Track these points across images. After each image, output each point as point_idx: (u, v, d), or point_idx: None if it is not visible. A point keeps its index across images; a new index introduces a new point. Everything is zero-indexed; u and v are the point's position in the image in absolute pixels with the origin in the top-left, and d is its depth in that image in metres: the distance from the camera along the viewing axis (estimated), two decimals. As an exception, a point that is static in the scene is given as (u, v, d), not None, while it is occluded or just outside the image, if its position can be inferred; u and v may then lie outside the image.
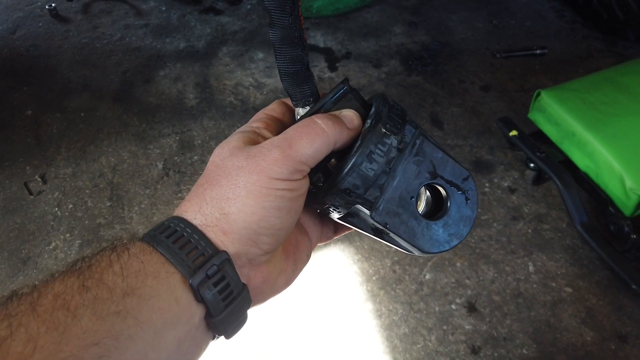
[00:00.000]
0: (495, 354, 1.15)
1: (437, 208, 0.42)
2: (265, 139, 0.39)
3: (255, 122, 0.42)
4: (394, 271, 1.30)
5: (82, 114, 1.74)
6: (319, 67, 1.90)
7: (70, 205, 1.47)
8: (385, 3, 2.17)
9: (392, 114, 0.40)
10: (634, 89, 1.44)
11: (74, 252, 1.36)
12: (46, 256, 1.35)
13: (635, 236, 1.25)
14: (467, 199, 0.41)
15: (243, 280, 0.36)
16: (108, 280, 0.31)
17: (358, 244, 1.36)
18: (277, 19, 0.39)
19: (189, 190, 1.49)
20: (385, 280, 1.28)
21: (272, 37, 0.40)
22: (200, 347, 0.36)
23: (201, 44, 2.03)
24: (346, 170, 0.38)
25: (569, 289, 1.26)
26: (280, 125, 0.43)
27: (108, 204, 1.47)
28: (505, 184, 1.49)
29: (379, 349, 1.17)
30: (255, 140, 0.39)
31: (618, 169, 1.28)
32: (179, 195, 1.49)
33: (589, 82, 1.49)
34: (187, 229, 0.35)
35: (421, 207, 0.42)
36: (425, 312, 1.23)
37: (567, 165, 1.41)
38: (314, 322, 1.22)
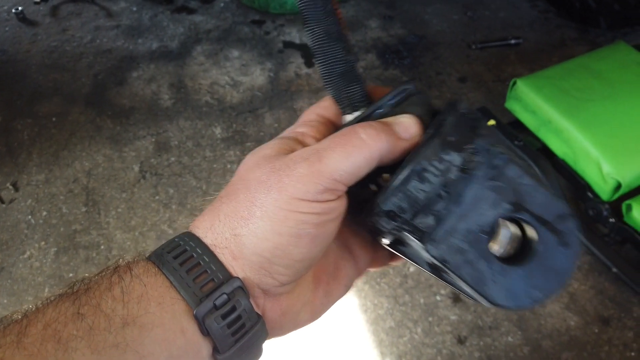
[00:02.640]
0: (481, 343, 1.15)
1: (521, 251, 0.32)
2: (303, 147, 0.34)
3: (304, 126, 0.35)
4: (378, 265, 1.29)
5: (54, 119, 1.70)
6: (296, 64, 1.88)
7: (45, 213, 1.43)
8: (359, -3, 2.17)
9: (461, 124, 0.32)
10: (607, 75, 1.46)
11: (49, 260, 1.32)
12: (21, 265, 1.31)
13: (613, 220, 1.26)
14: (563, 243, 0.31)
15: (258, 311, 0.31)
16: (106, 307, 0.27)
17: (341, 239, 1.35)
18: (311, 14, 0.34)
19: (166, 193, 1.46)
20: (369, 275, 1.28)
21: (309, 35, 0.34)
22: None
23: (175, 44, 1.99)
24: (390, 188, 0.31)
25: (551, 275, 1.26)
26: (329, 124, 0.36)
27: (84, 209, 1.44)
28: (485, 174, 1.50)
29: (366, 344, 1.16)
30: (292, 149, 0.33)
31: (595, 154, 1.29)
32: (156, 197, 1.46)
33: (563, 69, 1.50)
34: (197, 249, 0.30)
35: (497, 246, 0.32)
36: (410, 304, 1.22)
37: (545, 153, 1.42)
38: (299, 320, 1.21)
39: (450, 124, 0.32)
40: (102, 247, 1.36)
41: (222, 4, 2.18)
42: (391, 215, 0.31)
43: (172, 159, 1.57)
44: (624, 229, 1.24)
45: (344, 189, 0.31)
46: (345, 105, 0.35)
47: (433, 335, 1.17)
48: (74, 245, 1.36)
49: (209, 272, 0.29)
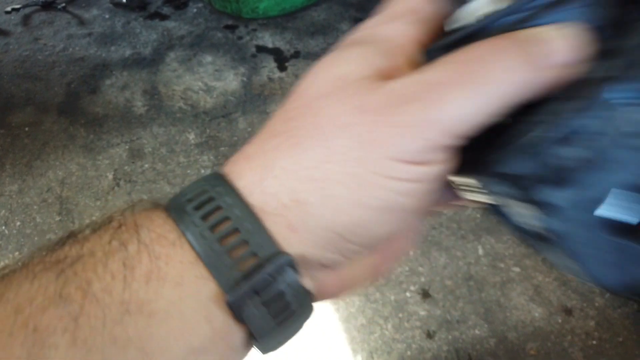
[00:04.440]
0: (450, 337, 1.19)
1: None
2: (403, 62, 0.23)
3: (399, 22, 0.23)
4: (350, 264, 1.32)
5: (27, 129, 1.70)
6: (268, 68, 1.91)
7: (18, 223, 1.44)
8: (331, 1, 2.19)
9: None
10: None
11: (24, 270, 1.33)
12: (-5, 276, 1.32)
13: (575, 213, 1.30)
14: None
15: (308, 285, 0.23)
16: (100, 289, 0.20)
17: (313, 240, 1.37)
18: None
19: (141, 200, 1.48)
20: (341, 274, 1.30)
21: None
22: None
23: (148, 51, 2.00)
24: (518, 145, 0.20)
25: (517, 269, 1.30)
26: (441, 33, 0.24)
27: (57, 218, 1.45)
28: (454, 172, 1.54)
29: (338, 342, 1.19)
30: (388, 69, 0.22)
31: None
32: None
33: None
34: (236, 210, 0.21)
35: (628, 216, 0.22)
36: (381, 301, 1.25)
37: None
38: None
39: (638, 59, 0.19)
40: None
41: (194, 10, 2.20)
42: (507, 177, 0.21)
43: (146, 165, 1.59)
44: (584, 221, 1.29)
45: (457, 144, 0.21)
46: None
47: (403, 330, 1.20)
48: (48, 255, 1.37)
49: (250, 243, 0.21)
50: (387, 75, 0.22)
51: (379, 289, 1.27)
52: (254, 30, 2.05)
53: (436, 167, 0.21)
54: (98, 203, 1.48)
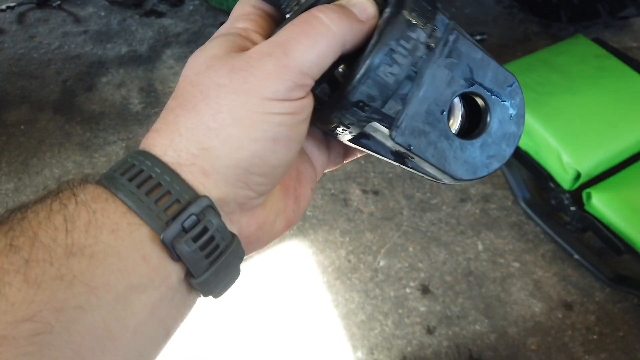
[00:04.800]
0: (450, 332, 1.19)
1: (473, 123, 0.33)
2: (255, 44, 0.29)
3: (241, 21, 0.31)
4: (349, 261, 1.32)
5: (22, 127, 1.69)
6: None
7: (14, 221, 1.42)
8: (328, -3, 2.19)
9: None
10: (566, 68, 1.50)
11: (20, 268, 1.32)
12: (-9, 275, 1.31)
13: (574, 208, 1.30)
14: (511, 110, 0.32)
15: (233, 229, 0.29)
16: (46, 238, 0.24)
17: (312, 237, 1.37)
18: None
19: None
20: (340, 271, 1.30)
21: None
22: (182, 311, 0.29)
23: (144, 48, 1.99)
24: (358, 76, 0.28)
25: (516, 264, 1.30)
26: (274, 25, 0.33)
27: (54, 216, 1.43)
28: (452, 168, 1.53)
29: (338, 338, 1.18)
30: (241, 46, 0.29)
31: (555, 145, 1.33)
32: (129, 202, 1.46)
33: (524, 64, 1.54)
34: (156, 168, 0.26)
35: (455, 123, 0.33)
36: (380, 298, 1.25)
37: (509, 145, 1.46)
38: (273, 316, 1.23)
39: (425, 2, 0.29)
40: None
41: (191, 7, 2.18)
42: (360, 105, 0.29)
43: (143, 163, 1.58)
44: (584, 217, 1.29)
45: (312, 83, 0.28)
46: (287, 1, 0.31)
47: (403, 326, 1.20)
48: (45, 253, 1.36)
49: (172, 192, 0.26)
50: (240, 51, 0.29)
51: (378, 285, 1.27)
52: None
53: (301, 101, 0.28)
54: (95, 201, 1.47)
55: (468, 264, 1.30)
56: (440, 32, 0.29)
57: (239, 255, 0.29)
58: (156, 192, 0.26)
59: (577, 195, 1.34)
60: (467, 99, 0.32)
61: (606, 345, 1.15)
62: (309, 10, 0.28)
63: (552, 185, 1.36)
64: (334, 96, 0.30)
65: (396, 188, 1.48)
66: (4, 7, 2.14)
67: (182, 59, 1.93)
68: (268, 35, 0.30)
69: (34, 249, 0.23)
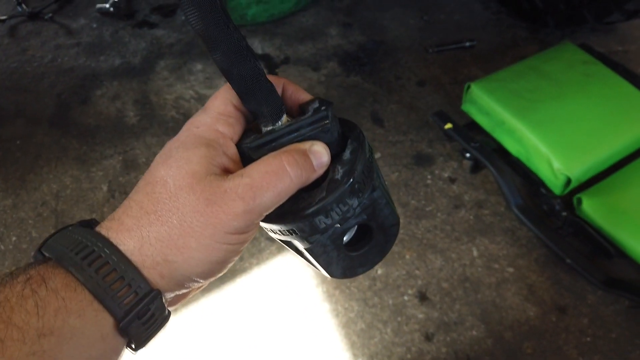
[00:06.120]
0: (448, 339, 1.21)
1: (358, 238, 0.42)
2: (229, 158, 0.36)
3: (221, 123, 0.37)
4: (347, 270, 1.34)
5: (18, 142, 1.69)
6: (259, 75, 1.91)
7: (14, 238, 1.43)
8: (319, 5, 2.21)
9: (365, 168, 0.38)
10: (555, 75, 1.54)
11: (21, 285, 1.33)
12: (-8, 293, 1.31)
13: (565, 213, 1.33)
14: (388, 241, 0.42)
15: (166, 304, 0.35)
16: (19, 320, 0.28)
17: (310, 247, 1.39)
18: (218, 36, 0.34)
19: (136, 210, 1.48)
20: (339, 280, 1.32)
21: (217, 60, 0.35)
22: None
23: (137, 60, 2.00)
24: (298, 218, 0.37)
25: (510, 269, 1.33)
26: (243, 120, 0.39)
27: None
28: (446, 175, 1.56)
29: (338, 347, 1.21)
30: (220, 164, 0.35)
31: (545, 152, 1.36)
32: (127, 216, 1.47)
33: (514, 71, 1.57)
34: (121, 265, 0.32)
35: (347, 237, 0.42)
36: (379, 306, 1.27)
37: (501, 152, 1.49)
38: (274, 327, 1.25)
39: (359, 172, 0.37)
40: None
41: (183, 17, 2.19)
42: (292, 230, 0.38)
43: (141, 176, 1.58)
44: (575, 221, 1.32)
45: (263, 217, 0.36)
46: (267, 119, 0.38)
47: (402, 334, 1.22)
48: (45, 269, 1.36)
49: (132, 285, 0.32)
50: (222, 168, 0.36)
51: (377, 294, 1.29)
52: (243, 36, 2.06)
53: (252, 232, 0.35)
54: (94, 216, 1.48)
55: (464, 270, 1.33)
56: (367, 198, 0.38)
57: (167, 321, 0.36)
58: (118, 284, 0.32)
59: (568, 200, 1.37)
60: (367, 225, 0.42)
61: (599, 347, 1.18)
62: (279, 156, 0.35)
63: (543, 190, 1.39)
64: (279, 217, 0.38)
65: (392, 196, 1.50)
66: (-5, 20, 2.14)
67: (176, 70, 1.95)
68: (238, 135, 0.38)
69: (9, 330, 0.28)
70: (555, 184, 1.36)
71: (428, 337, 1.21)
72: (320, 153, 0.37)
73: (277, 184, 0.34)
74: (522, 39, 2.03)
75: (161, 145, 1.67)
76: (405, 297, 1.29)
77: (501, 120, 1.46)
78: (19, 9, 2.15)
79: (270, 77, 0.38)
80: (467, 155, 1.50)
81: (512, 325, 1.23)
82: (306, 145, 0.37)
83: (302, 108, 0.40)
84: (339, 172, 0.37)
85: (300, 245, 0.40)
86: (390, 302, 1.28)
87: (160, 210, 0.33)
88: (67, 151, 1.66)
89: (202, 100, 1.83)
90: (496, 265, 1.34)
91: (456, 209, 1.47)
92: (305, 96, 0.41)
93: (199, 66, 1.96)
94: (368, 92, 1.83)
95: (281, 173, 0.34)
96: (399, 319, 1.25)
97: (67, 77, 1.93)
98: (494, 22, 2.11)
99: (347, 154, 0.38)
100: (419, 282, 1.32)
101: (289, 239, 0.40)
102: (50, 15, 2.17)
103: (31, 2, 2.24)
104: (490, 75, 1.57)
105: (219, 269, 0.35)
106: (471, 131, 1.55)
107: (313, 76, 1.90)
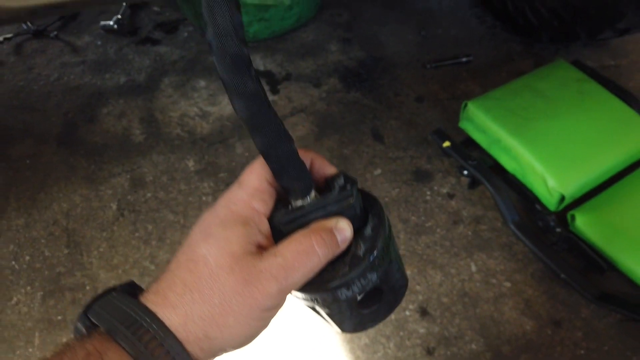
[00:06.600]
0: (448, 353, 1.27)
1: (368, 296, 0.45)
2: (263, 235, 0.40)
3: (256, 200, 0.41)
4: (351, 286, 1.39)
5: (28, 161, 1.74)
6: (261, 91, 1.96)
7: (27, 257, 1.48)
8: (319, 21, 2.26)
9: (384, 245, 0.42)
10: (548, 93, 1.59)
11: (37, 304, 1.37)
12: (9, 312, 1.36)
13: (560, 230, 1.39)
14: (396, 300, 0.48)
15: None
16: None
17: (315, 263, 1.44)
18: (261, 123, 0.38)
19: (145, 229, 1.53)
20: (343, 296, 1.37)
21: (258, 142, 0.39)
22: None
23: (142, 77, 2.04)
24: (322, 289, 0.41)
25: (508, 284, 1.38)
26: (275, 194, 0.44)
27: (66, 251, 1.49)
28: (445, 191, 1.61)
29: (344, 362, 1.26)
30: (256, 242, 0.39)
31: (540, 169, 1.41)
32: (136, 234, 1.52)
33: (509, 90, 1.62)
34: (168, 340, 0.36)
35: (360, 297, 0.45)
36: (382, 321, 1.32)
37: (497, 169, 1.54)
38: (279, 343, 1.29)
39: (380, 250, 0.42)
40: (88, 287, 1.42)
41: (185, 34, 2.24)
42: (314, 299, 0.43)
43: (149, 194, 1.64)
44: (569, 237, 1.37)
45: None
46: (297, 194, 0.42)
47: (405, 348, 1.27)
48: (59, 288, 1.41)
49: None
50: (257, 245, 0.40)
51: (379, 309, 1.34)
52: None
53: (281, 306, 0.40)
54: (104, 234, 1.53)
55: (463, 285, 1.39)
56: (383, 270, 0.43)
57: None
58: (165, 358, 0.36)
59: (562, 216, 1.43)
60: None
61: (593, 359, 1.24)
62: (309, 235, 0.40)
63: (538, 207, 1.44)
64: (308, 287, 0.42)
65: (392, 212, 1.55)
66: (1, 38, 2.18)
67: (180, 87, 1.99)
68: (269, 210, 0.43)
69: None
70: (550, 201, 1.41)
71: (429, 352, 1.27)
72: (344, 230, 0.41)
73: (307, 264, 0.39)
74: (517, 53, 2.08)
75: (167, 162, 1.72)
76: (407, 312, 1.34)
77: (497, 138, 1.51)
78: (24, 26, 2.20)
79: (300, 152, 0.42)
80: (465, 172, 1.55)
81: (509, 339, 1.28)
82: (332, 222, 0.41)
83: (328, 183, 0.44)
84: (361, 249, 0.42)
85: (319, 309, 0.45)
86: (393, 317, 1.33)
87: (203, 289, 0.37)
88: (75, 170, 1.71)
89: (206, 117, 1.88)
90: (494, 280, 1.39)
91: (455, 225, 1.52)
92: (330, 169, 0.45)
93: (202, 83, 2.00)
94: (368, 108, 1.89)
95: (311, 253, 0.39)
96: (401, 333, 1.30)
97: (74, 96, 1.97)
98: (490, 37, 2.16)
99: (368, 230, 0.43)
100: (420, 297, 1.37)
101: (309, 304, 0.45)
102: (55, 33, 2.21)
103: (36, 20, 2.28)
104: (486, 94, 1.63)
105: (251, 340, 0.40)
106: (468, 147, 1.61)
107: (314, 92, 1.95)
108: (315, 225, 0.41)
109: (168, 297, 0.38)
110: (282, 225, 0.42)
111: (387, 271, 0.44)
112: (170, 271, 0.40)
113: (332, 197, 0.42)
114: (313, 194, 0.43)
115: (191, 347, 0.37)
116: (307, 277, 0.40)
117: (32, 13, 1.07)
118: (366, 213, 0.45)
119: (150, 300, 0.38)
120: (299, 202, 0.43)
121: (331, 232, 0.40)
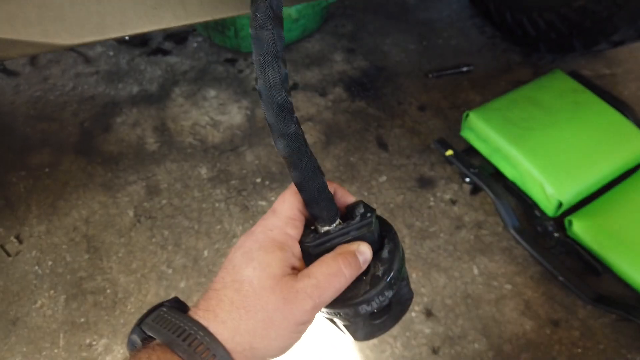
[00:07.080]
0: (453, 352, 1.34)
1: (380, 309, 0.51)
2: (296, 258, 0.47)
3: (290, 226, 0.48)
4: (359, 288, 1.46)
5: (47, 170, 1.81)
6: (270, 101, 2.03)
7: (50, 262, 1.55)
8: (324, 32, 2.33)
9: (400, 266, 0.49)
10: (546, 104, 1.67)
11: (60, 307, 1.44)
12: (34, 315, 1.43)
13: (557, 234, 1.46)
14: (403, 311, 0.54)
15: None
16: None
17: (324, 267, 1.51)
18: (299, 161, 0.44)
19: (162, 235, 1.60)
20: (352, 298, 1.44)
21: (294, 176, 0.45)
22: None
23: (154, 87, 2.12)
24: (346, 305, 0.48)
25: (508, 286, 1.46)
26: (304, 221, 0.50)
27: (86, 256, 1.56)
28: (447, 197, 1.68)
29: (353, 361, 1.33)
30: (292, 264, 0.46)
31: (538, 177, 1.49)
32: (153, 240, 1.59)
33: (508, 100, 1.70)
34: (220, 351, 0.42)
35: (373, 309, 0.51)
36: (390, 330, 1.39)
37: (498, 176, 1.62)
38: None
39: (397, 270, 0.49)
40: (108, 291, 1.49)
41: (195, 44, 2.31)
42: (337, 314, 0.50)
43: (164, 201, 1.71)
44: (567, 242, 1.45)
45: None
46: (325, 221, 0.49)
47: (411, 348, 1.35)
48: (81, 292, 1.48)
49: None
50: (292, 267, 0.47)
51: (387, 311, 1.41)
52: (253, 63, 2.17)
53: (313, 320, 0.46)
54: (122, 240, 1.60)
55: (465, 288, 1.46)
56: (397, 287, 0.50)
57: None
58: None
59: (560, 221, 1.50)
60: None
61: (589, 358, 1.31)
62: (337, 258, 0.47)
63: (537, 213, 1.52)
64: (332, 304, 0.49)
65: (397, 218, 1.63)
66: (16, 49, 2.25)
67: (191, 96, 2.07)
68: (300, 233, 0.49)
69: None
70: (548, 207, 1.49)
71: (434, 351, 1.34)
72: (365, 253, 0.48)
73: (336, 284, 0.46)
74: (516, 63, 2.16)
75: (181, 170, 1.79)
76: (413, 314, 1.41)
77: (497, 147, 1.59)
78: (39, 38, 2.26)
79: (327, 183, 0.50)
80: (467, 179, 1.63)
81: (510, 338, 1.35)
82: (354, 246, 0.48)
83: (349, 210, 0.52)
84: (380, 270, 0.49)
85: (337, 321, 0.52)
86: (399, 318, 1.40)
87: (249, 307, 0.44)
88: (93, 178, 1.78)
89: (217, 126, 1.95)
90: (495, 283, 1.46)
91: (457, 230, 1.59)
92: (350, 198, 0.53)
93: (212, 92, 2.08)
94: (372, 117, 1.96)
95: (339, 274, 0.46)
96: (408, 334, 1.37)
97: (89, 105, 2.04)
98: (489, 47, 2.24)
99: (385, 253, 0.50)
100: (425, 299, 1.44)
101: (329, 317, 0.52)
102: (68, 44, 2.28)
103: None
104: (486, 104, 1.70)
105: (287, 350, 0.46)
106: (470, 155, 1.68)
107: (320, 102, 2.03)
108: (340, 249, 0.48)
109: (218, 314, 0.44)
110: (311, 248, 0.49)
111: (399, 288, 0.51)
112: (217, 290, 0.46)
113: (354, 223, 0.49)
114: (338, 220, 0.50)
115: (238, 357, 0.43)
116: (336, 295, 0.46)
117: (74, 47, 1.12)
118: (382, 236, 0.52)
119: (202, 316, 0.45)
120: (326, 228, 0.49)
121: (354, 255, 0.47)
